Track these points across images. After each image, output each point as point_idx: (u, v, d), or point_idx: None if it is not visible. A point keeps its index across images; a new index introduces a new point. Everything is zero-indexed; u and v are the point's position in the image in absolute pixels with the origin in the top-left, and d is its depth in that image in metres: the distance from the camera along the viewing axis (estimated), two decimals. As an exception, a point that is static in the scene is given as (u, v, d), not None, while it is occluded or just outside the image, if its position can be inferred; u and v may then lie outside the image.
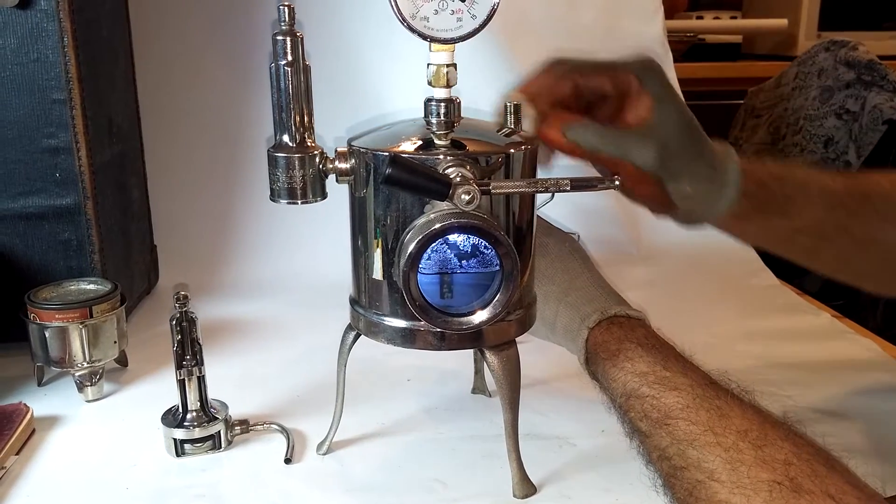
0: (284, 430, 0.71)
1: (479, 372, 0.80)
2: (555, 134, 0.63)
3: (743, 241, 0.76)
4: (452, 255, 0.55)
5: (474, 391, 0.80)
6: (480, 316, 0.56)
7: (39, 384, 0.82)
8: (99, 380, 0.79)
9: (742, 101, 2.03)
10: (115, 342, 0.80)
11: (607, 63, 0.66)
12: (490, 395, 0.79)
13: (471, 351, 0.79)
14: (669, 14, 1.72)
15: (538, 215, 0.64)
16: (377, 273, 0.59)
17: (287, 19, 0.56)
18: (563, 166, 0.66)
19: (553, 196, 0.61)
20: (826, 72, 1.63)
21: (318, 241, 1.14)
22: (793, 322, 1.00)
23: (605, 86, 0.64)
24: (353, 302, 0.63)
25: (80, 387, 0.79)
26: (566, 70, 0.65)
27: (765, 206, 0.67)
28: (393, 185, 0.52)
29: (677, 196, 0.65)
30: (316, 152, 0.59)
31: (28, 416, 0.72)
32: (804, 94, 1.69)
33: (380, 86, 1.18)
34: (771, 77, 1.94)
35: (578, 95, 0.65)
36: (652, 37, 1.32)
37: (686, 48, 2.32)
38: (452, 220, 0.53)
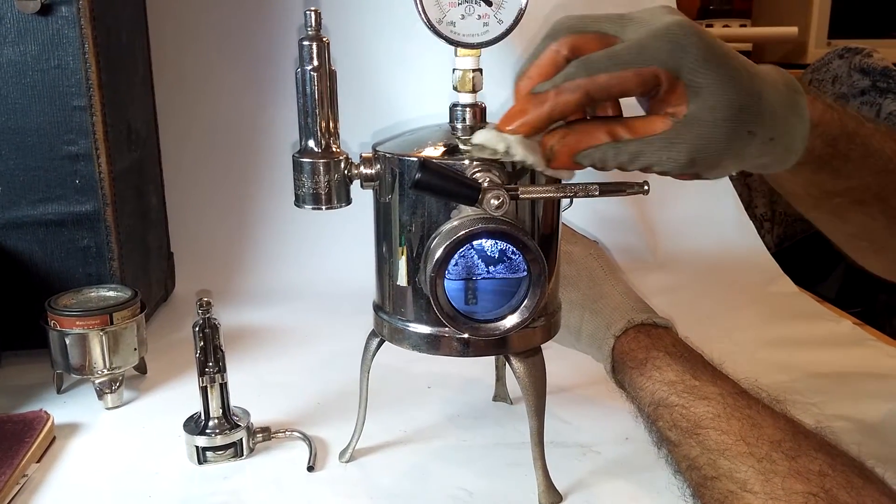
0: (306, 438, 0.71)
1: (500, 379, 0.79)
2: (567, 168, 0.54)
3: (778, 188, 0.64)
4: (479, 260, 0.55)
5: (496, 398, 0.80)
6: (509, 322, 0.55)
7: (59, 391, 0.82)
8: (119, 387, 0.79)
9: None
10: (135, 349, 0.80)
11: (628, 50, 0.51)
12: (512, 403, 0.79)
13: (492, 358, 0.78)
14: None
15: (562, 222, 0.64)
16: (402, 279, 0.59)
17: (313, 24, 0.56)
18: (588, 172, 0.65)
19: (572, 202, 0.60)
20: (840, 79, 1.62)
21: (335, 247, 1.14)
22: (814, 329, 0.99)
23: (629, 88, 0.52)
24: (377, 308, 0.63)
25: (100, 394, 0.78)
26: (574, 75, 0.51)
27: (821, 163, 0.57)
28: (423, 190, 0.52)
29: (724, 172, 0.55)
30: (341, 158, 0.58)
31: (49, 423, 0.72)
32: (818, 102, 1.68)
33: (404, 91, 1.18)
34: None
35: (591, 103, 0.53)
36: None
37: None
38: (481, 226, 0.52)
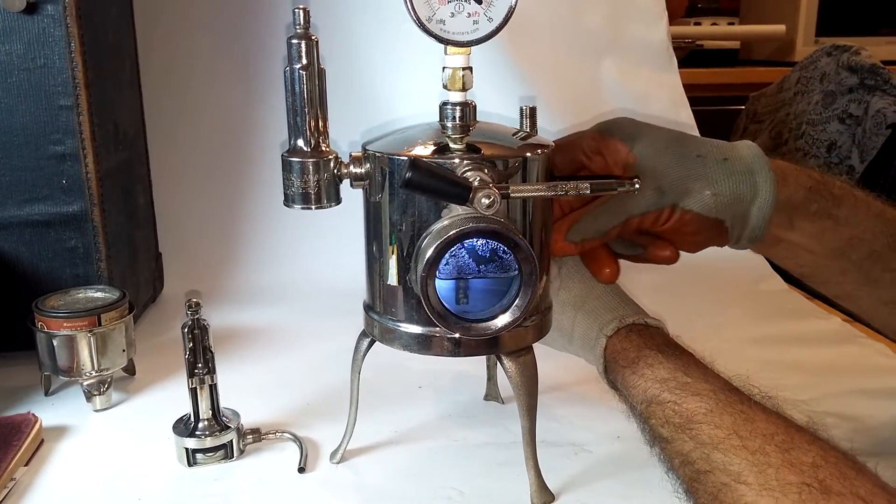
0: (297, 439, 0.70)
1: (491, 378, 0.79)
2: (562, 248, 0.62)
3: (798, 270, 0.69)
4: (470, 260, 0.55)
5: (487, 398, 0.80)
6: (500, 321, 0.55)
7: (47, 394, 0.81)
8: (107, 389, 0.78)
9: (741, 107, 2.03)
10: (124, 350, 0.79)
11: (572, 135, 0.66)
12: (503, 402, 0.79)
13: (483, 357, 0.78)
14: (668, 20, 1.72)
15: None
16: (392, 279, 0.59)
17: (302, 22, 0.56)
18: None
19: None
20: (828, 76, 1.63)
21: (325, 246, 1.13)
22: (803, 326, 0.99)
23: (573, 154, 0.64)
24: (368, 308, 0.62)
25: (89, 396, 0.78)
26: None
27: (811, 207, 0.63)
28: (413, 189, 0.51)
29: (708, 209, 0.61)
30: (331, 157, 0.58)
31: (37, 426, 0.71)
32: (806, 99, 1.69)
33: (394, 89, 1.18)
34: (770, 83, 1.94)
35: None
36: (656, 42, 1.32)
37: (684, 54, 2.32)
38: (471, 225, 0.52)
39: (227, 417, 0.69)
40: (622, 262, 0.67)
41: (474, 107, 0.58)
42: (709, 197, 0.61)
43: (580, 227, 0.62)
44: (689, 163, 0.61)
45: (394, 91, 1.18)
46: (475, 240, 0.54)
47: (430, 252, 0.53)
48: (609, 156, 0.63)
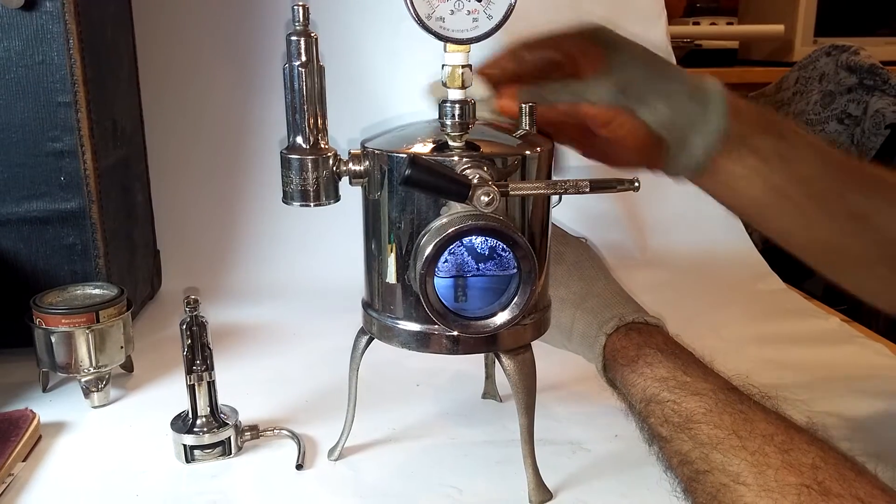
0: (295, 436, 0.70)
1: (490, 377, 0.79)
2: (509, 103, 0.62)
3: (735, 204, 0.70)
4: (469, 258, 0.55)
5: (485, 396, 0.80)
6: (499, 319, 0.55)
7: (44, 390, 0.81)
8: (105, 385, 0.78)
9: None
10: (122, 347, 0.79)
11: (553, 33, 0.66)
12: (501, 400, 0.79)
13: (481, 355, 0.78)
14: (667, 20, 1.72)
15: (552, 222, 0.63)
16: (391, 276, 0.59)
17: (301, 19, 0.56)
18: (578, 168, 0.65)
19: (561, 199, 0.60)
20: (827, 76, 1.63)
21: (323, 244, 1.13)
22: (802, 326, 1.00)
23: (550, 52, 0.65)
24: (366, 305, 0.62)
25: (87, 392, 0.78)
26: (514, 48, 0.65)
27: (760, 144, 0.64)
28: (412, 186, 0.51)
29: (657, 123, 0.63)
30: (329, 154, 0.58)
31: (34, 422, 0.71)
32: (805, 99, 1.69)
33: (393, 87, 1.18)
34: (768, 83, 1.94)
35: (528, 67, 0.64)
36: (655, 41, 1.32)
37: (683, 54, 2.32)
38: (471, 223, 0.52)
39: (224, 414, 0.69)
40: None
41: (474, 104, 0.58)
42: (662, 111, 0.63)
43: (539, 94, 0.63)
44: (654, 78, 0.64)
45: (393, 88, 1.17)
46: (474, 237, 0.54)
47: (428, 250, 0.53)
48: (586, 61, 0.64)
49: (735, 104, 0.64)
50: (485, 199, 0.51)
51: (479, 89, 0.62)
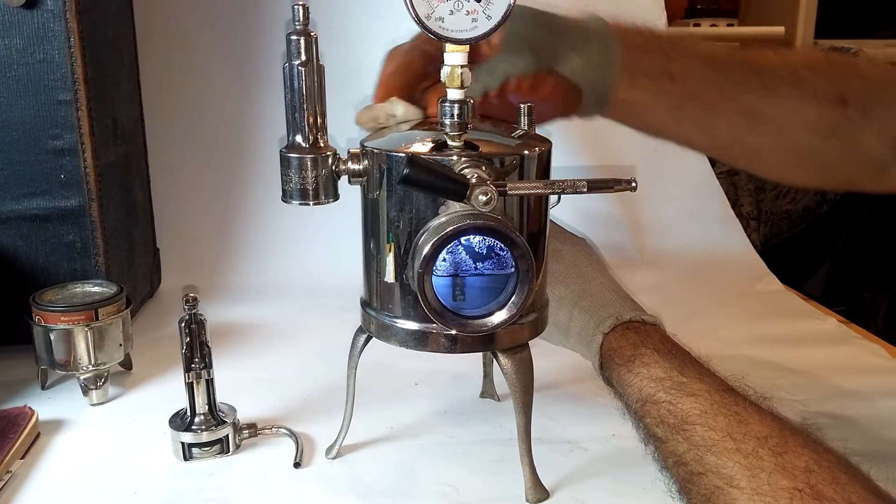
0: (293, 434, 0.71)
1: (488, 376, 0.79)
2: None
3: (641, 126, 0.73)
4: (467, 257, 0.55)
5: (483, 395, 0.80)
6: (497, 318, 0.55)
7: (43, 387, 0.81)
8: (104, 383, 0.78)
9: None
10: (121, 345, 0.79)
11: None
12: (499, 400, 0.79)
13: (479, 354, 0.78)
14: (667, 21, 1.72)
15: (550, 220, 0.64)
16: (389, 275, 0.59)
17: (301, 19, 0.56)
18: (576, 168, 0.66)
19: (560, 199, 0.60)
20: (827, 78, 1.63)
21: (322, 242, 1.14)
22: (799, 327, 1.00)
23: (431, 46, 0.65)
24: (365, 304, 0.63)
25: (85, 390, 0.78)
26: (407, 55, 0.67)
27: (649, 66, 0.68)
28: (410, 185, 0.52)
29: (573, 73, 0.65)
30: (329, 153, 0.58)
31: (33, 419, 0.71)
32: (804, 101, 1.69)
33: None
34: (769, 83, 1.94)
35: (433, 68, 0.64)
36: (655, 42, 1.32)
37: (684, 55, 2.32)
38: (468, 222, 0.52)
39: (223, 412, 0.69)
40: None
41: (472, 104, 0.58)
42: (577, 63, 0.66)
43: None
44: (558, 34, 0.66)
45: (392, 88, 1.18)
46: (472, 237, 0.54)
47: (427, 249, 0.53)
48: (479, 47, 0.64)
49: (620, 33, 0.67)
50: (483, 198, 0.52)
51: (409, 111, 0.63)
